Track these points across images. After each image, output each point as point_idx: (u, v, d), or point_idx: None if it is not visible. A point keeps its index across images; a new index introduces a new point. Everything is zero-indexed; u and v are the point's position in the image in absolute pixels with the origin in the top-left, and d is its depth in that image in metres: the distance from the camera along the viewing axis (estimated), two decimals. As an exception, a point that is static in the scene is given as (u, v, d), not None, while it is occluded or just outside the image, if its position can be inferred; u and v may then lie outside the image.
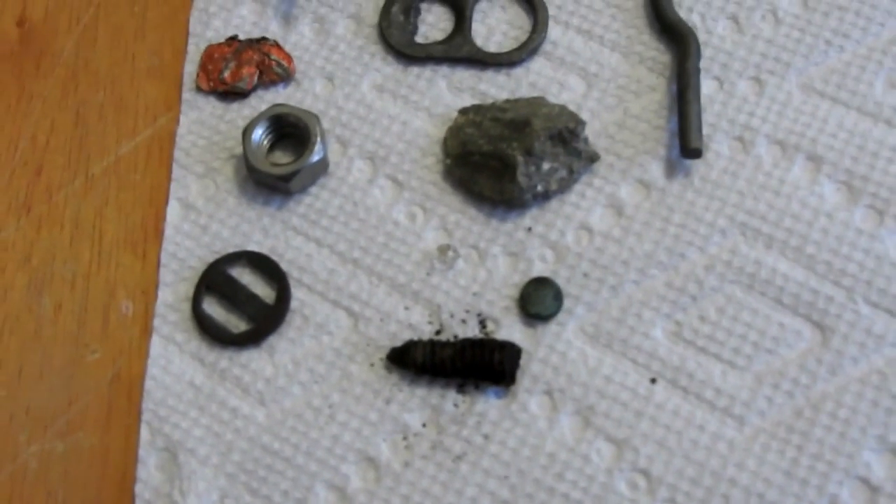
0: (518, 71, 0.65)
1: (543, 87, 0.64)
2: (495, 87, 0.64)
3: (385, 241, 0.61)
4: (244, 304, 0.60)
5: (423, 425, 0.57)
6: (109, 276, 0.62)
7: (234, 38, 0.66)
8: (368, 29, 0.67)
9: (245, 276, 0.61)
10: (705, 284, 0.58)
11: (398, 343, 0.58)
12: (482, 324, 0.59)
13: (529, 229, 0.60)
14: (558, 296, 0.58)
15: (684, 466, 0.55)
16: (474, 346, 0.56)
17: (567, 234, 0.60)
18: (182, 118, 0.65)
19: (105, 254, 0.62)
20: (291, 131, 0.63)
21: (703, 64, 0.63)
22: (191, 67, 0.67)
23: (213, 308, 0.60)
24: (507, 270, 0.60)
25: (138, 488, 0.57)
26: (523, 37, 0.65)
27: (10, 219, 0.64)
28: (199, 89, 0.66)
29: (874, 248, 0.59)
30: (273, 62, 0.65)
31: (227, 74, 0.65)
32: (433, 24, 0.67)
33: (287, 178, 0.61)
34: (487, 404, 0.57)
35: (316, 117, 0.62)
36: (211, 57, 0.66)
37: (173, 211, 0.63)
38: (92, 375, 0.59)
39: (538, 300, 0.58)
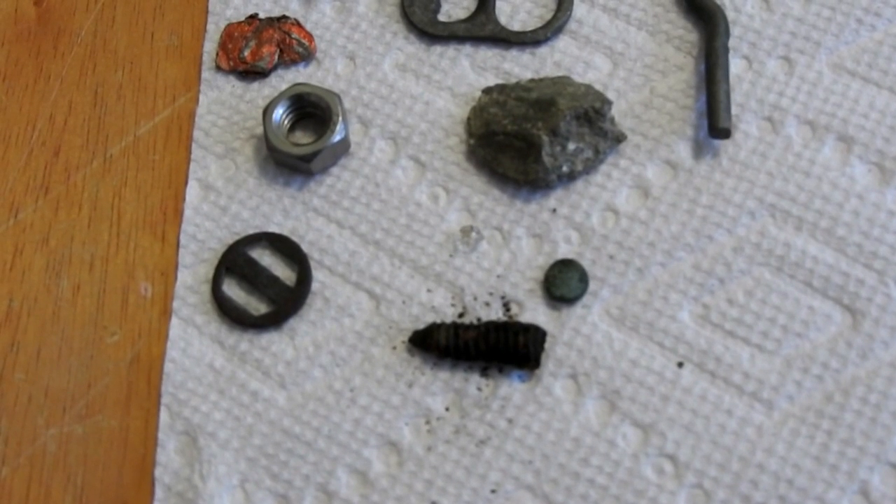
0: (543, 50, 0.64)
1: (568, 67, 0.63)
2: (519, 67, 0.63)
3: (407, 222, 0.60)
4: (264, 286, 0.59)
5: (446, 409, 0.56)
6: (128, 257, 0.61)
7: (254, 17, 0.65)
8: (390, 7, 0.66)
9: (265, 258, 0.60)
10: (733, 267, 0.57)
11: (421, 326, 0.58)
12: (506, 306, 0.58)
13: (554, 210, 0.60)
14: (583, 278, 0.57)
15: (712, 451, 0.54)
16: (498, 328, 0.56)
17: (592, 216, 0.59)
18: (201, 98, 0.64)
19: (124, 235, 0.62)
20: (312, 111, 0.62)
21: (731, 43, 0.62)
22: (210, 46, 0.66)
23: (233, 290, 0.60)
24: (531, 252, 0.59)
25: (158, 472, 0.56)
26: (548, 15, 0.64)
27: (28, 200, 0.63)
28: (218, 69, 0.65)
29: (906, 230, 0.58)
30: (294, 41, 0.64)
31: (247, 53, 0.64)
32: (456, 3, 0.66)
33: (308, 159, 0.60)
34: (511, 388, 0.56)
35: (337, 96, 0.61)
36: (231, 36, 0.65)
37: (192, 192, 0.62)
38: (111, 358, 0.59)
39: (563, 282, 0.57)
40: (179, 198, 0.62)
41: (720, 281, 0.57)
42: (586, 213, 0.59)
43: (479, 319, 0.57)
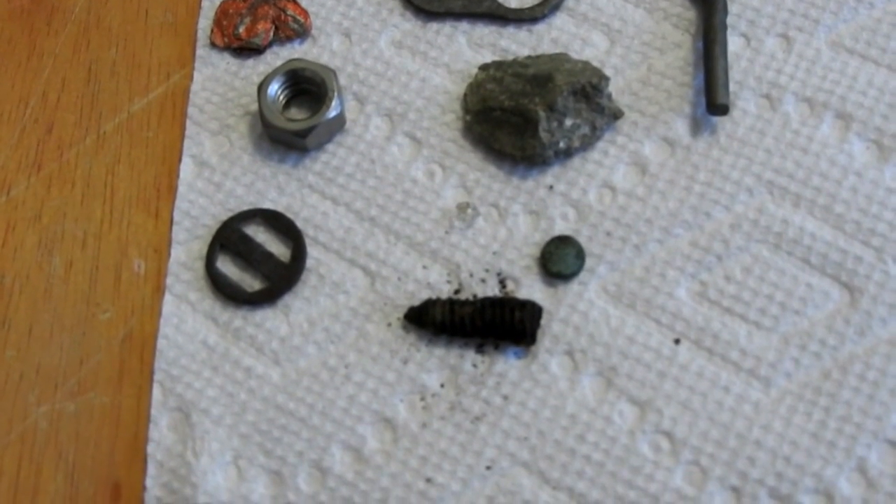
0: (540, 27, 0.63)
1: (566, 44, 0.63)
2: (516, 44, 0.63)
3: (403, 198, 0.60)
4: (259, 263, 0.59)
5: (441, 385, 0.55)
6: (121, 234, 0.61)
7: (249, -6, 0.65)
8: (386, -16, 0.65)
9: (260, 235, 0.60)
10: (731, 244, 0.57)
11: (416, 302, 0.57)
12: (502, 283, 0.57)
13: (551, 187, 0.59)
14: (580, 255, 0.57)
15: (709, 428, 0.54)
16: (494, 304, 0.55)
17: (589, 193, 0.59)
18: (196, 75, 0.64)
19: (117, 212, 0.61)
20: (308, 87, 0.61)
21: (729, 20, 0.62)
22: (205, 23, 0.65)
23: (227, 266, 0.59)
24: (527, 229, 0.58)
25: (150, 448, 0.55)
26: (545, -8, 0.64)
27: (21, 177, 0.62)
28: (213, 45, 0.65)
29: (904, 208, 0.57)
30: (289, 17, 0.64)
31: (241, 30, 0.64)
32: (453, -20, 0.65)
33: (303, 134, 0.59)
34: (507, 364, 0.56)
35: (333, 72, 0.60)
36: (226, 12, 0.65)
37: (187, 168, 0.62)
38: (103, 335, 0.58)
39: (560, 259, 0.57)
40: (173, 174, 0.62)
41: (718, 258, 0.57)
42: (583, 190, 0.59)
43: (475, 296, 0.57)
